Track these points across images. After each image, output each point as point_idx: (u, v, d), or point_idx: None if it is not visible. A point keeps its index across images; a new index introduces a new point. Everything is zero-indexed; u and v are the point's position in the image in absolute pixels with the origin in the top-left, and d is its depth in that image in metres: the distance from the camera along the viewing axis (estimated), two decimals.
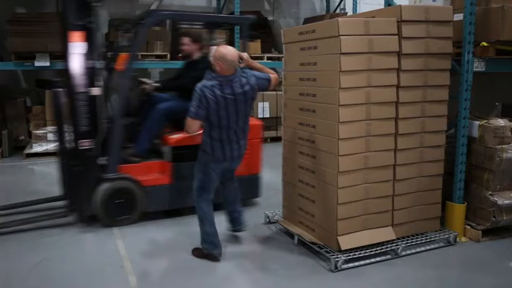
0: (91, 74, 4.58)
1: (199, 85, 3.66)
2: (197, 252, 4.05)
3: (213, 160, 3.85)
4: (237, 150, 3.92)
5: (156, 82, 5.43)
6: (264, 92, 9.84)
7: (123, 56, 4.82)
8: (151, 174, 4.92)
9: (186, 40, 5.34)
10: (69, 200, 4.79)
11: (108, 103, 5.07)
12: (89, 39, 4.52)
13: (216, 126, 3.75)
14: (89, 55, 4.54)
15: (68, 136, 4.66)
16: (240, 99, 3.73)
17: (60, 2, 4.83)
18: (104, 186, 4.62)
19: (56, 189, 5.33)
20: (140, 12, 9.81)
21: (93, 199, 4.62)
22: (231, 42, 9.79)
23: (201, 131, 3.88)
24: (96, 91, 4.60)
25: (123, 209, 4.72)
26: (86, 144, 4.54)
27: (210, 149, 3.83)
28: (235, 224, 4.35)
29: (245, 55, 3.90)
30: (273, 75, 3.94)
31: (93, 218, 4.71)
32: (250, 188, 5.19)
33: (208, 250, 3.95)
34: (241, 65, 3.84)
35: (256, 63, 4.02)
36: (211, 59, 3.76)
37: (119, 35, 8.52)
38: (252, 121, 4.38)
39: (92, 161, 4.60)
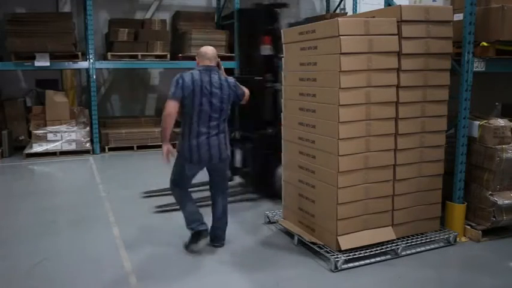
0: (275, 72, 5.42)
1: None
2: (187, 242, 4.15)
3: (187, 161, 3.93)
4: (215, 150, 3.93)
5: None
6: None
7: None
8: None
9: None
10: (255, 179, 5.76)
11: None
12: (273, 42, 5.44)
13: (189, 114, 3.84)
14: (275, 55, 5.45)
15: (248, 125, 5.71)
16: (216, 92, 3.86)
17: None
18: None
19: (56, 189, 5.33)
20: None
21: (275, 179, 5.28)
22: (230, 43, 9.80)
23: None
24: (278, 86, 5.26)
25: None
26: (270, 131, 5.44)
27: (183, 148, 3.91)
28: (215, 240, 4.24)
29: (221, 67, 4.12)
30: (246, 91, 4.20)
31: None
32: None
33: (194, 228, 4.05)
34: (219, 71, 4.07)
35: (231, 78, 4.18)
36: None
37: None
38: None
39: (275, 146, 5.00)
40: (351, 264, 3.82)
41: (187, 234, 4.15)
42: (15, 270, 3.85)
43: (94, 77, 8.80)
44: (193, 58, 9.34)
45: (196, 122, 3.87)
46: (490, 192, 4.29)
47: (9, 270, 3.86)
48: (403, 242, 4.09)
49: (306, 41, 4.10)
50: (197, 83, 3.81)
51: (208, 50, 3.98)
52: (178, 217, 4.32)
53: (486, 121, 4.36)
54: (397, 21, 3.87)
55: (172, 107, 3.80)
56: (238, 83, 4.11)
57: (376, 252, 3.93)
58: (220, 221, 4.23)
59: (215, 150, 3.94)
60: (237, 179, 6.17)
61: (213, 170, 4.12)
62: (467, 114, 4.30)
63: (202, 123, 3.87)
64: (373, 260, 3.90)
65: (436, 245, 4.22)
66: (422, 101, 4.07)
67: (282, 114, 4.65)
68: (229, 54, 9.70)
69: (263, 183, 5.61)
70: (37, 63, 8.24)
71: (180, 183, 4.09)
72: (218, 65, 4.04)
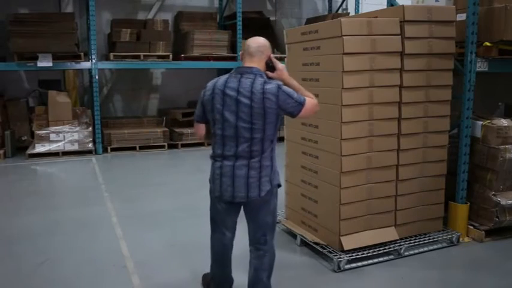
0: None
1: None
2: (206, 280, 3.45)
3: (211, 194, 3.06)
4: (240, 183, 2.86)
5: None
6: None
7: None
8: None
9: None
10: None
11: None
12: None
13: (213, 134, 2.97)
14: None
15: None
16: (244, 101, 2.78)
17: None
18: None
19: (58, 189, 5.33)
20: None
21: None
22: (233, 43, 9.81)
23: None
24: None
25: None
26: None
27: (210, 179, 3.05)
28: None
29: (281, 65, 2.99)
30: (309, 100, 2.90)
31: None
32: None
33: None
34: (271, 75, 2.94)
35: (294, 82, 2.99)
36: None
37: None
38: None
39: None
40: (353, 265, 3.82)
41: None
42: (19, 271, 3.86)
43: (96, 77, 8.81)
44: (195, 58, 9.54)
45: (220, 141, 2.90)
46: (493, 193, 4.28)
47: (13, 271, 3.87)
48: (406, 242, 4.08)
49: (309, 41, 4.10)
50: (218, 89, 2.85)
51: (253, 41, 2.96)
52: (180, 218, 4.31)
53: (489, 121, 4.35)
54: (400, 21, 3.86)
55: (198, 131, 3.13)
56: (288, 90, 2.85)
57: (379, 252, 3.93)
58: (255, 278, 3.07)
59: (241, 183, 2.86)
60: None
61: (246, 211, 3.04)
62: (470, 114, 4.29)
63: (229, 143, 2.86)
64: (376, 260, 3.90)
65: (439, 245, 4.21)
66: (425, 101, 4.07)
67: None
68: (231, 55, 9.71)
69: None
70: (40, 64, 8.26)
71: (212, 225, 3.14)
72: (268, 62, 2.94)
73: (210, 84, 2.95)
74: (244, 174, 2.86)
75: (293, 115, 2.89)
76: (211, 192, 3.03)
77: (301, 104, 2.85)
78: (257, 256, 3.06)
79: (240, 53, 3.05)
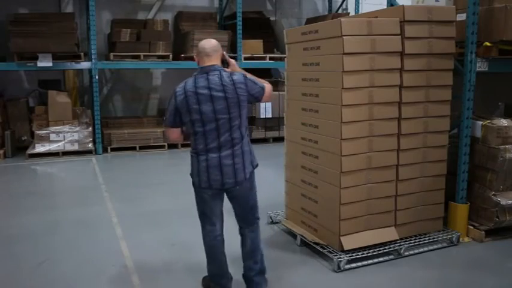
0: None
1: None
2: (205, 283, 3.52)
3: (196, 188, 3.23)
4: (228, 170, 3.11)
5: None
6: None
7: None
8: None
9: None
10: None
11: None
12: None
13: (192, 133, 3.16)
14: None
15: None
16: (218, 95, 3.03)
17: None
18: None
19: (58, 189, 5.33)
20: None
21: None
22: (233, 43, 9.82)
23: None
24: None
25: None
26: None
27: (192, 172, 3.22)
28: (248, 283, 3.41)
29: (233, 61, 3.33)
30: (267, 85, 3.27)
31: None
32: None
33: (222, 285, 3.35)
34: (227, 70, 3.21)
35: (247, 73, 3.30)
36: None
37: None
38: None
39: None
40: (353, 265, 3.82)
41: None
42: (19, 271, 3.86)
43: (96, 77, 8.81)
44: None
45: (202, 137, 3.11)
46: (493, 193, 4.28)
47: (13, 270, 3.87)
48: (406, 242, 4.08)
49: (309, 41, 4.10)
50: (190, 91, 3.06)
51: (206, 43, 3.16)
52: (180, 218, 4.32)
53: (489, 121, 4.35)
54: (400, 21, 3.86)
55: (172, 135, 3.30)
56: (251, 77, 3.21)
57: (379, 252, 3.93)
58: (251, 260, 3.36)
59: (228, 170, 3.11)
60: None
61: (230, 197, 3.28)
62: (470, 114, 4.29)
63: (210, 137, 3.09)
64: (376, 260, 3.90)
65: (439, 245, 4.21)
66: (425, 101, 4.07)
67: (285, 114, 4.65)
68: (231, 55, 9.71)
69: None
70: (40, 64, 8.27)
71: (204, 220, 3.30)
72: (223, 59, 3.24)
73: (179, 89, 3.13)
74: (230, 163, 3.12)
75: (258, 99, 3.23)
76: (197, 185, 3.20)
77: (263, 88, 3.21)
78: (252, 230, 3.36)
79: (195, 56, 3.24)
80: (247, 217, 3.34)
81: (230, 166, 3.12)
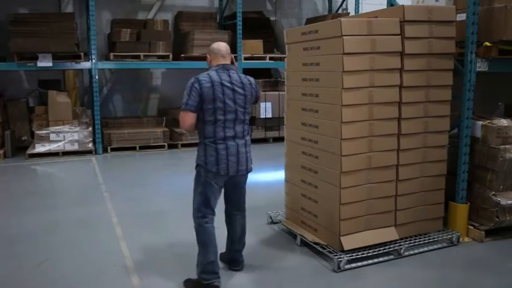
0: None
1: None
2: (191, 284, 3.52)
3: (212, 175, 3.37)
4: (243, 158, 3.43)
5: None
6: (267, 92, 9.91)
7: None
8: None
9: None
10: None
11: None
12: None
13: (211, 121, 3.32)
14: None
15: None
16: (239, 91, 3.38)
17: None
18: None
19: (58, 189, 5.33)
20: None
21: None
22: (233, 43, 9.81)
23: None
24: None
25: None
26: None
27: (206, 159, 3.36)
28: (234, 264, 3.79)
29: (235, 64, 3.68)
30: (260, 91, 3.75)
31: None
32: None
33: (209, 280, 3.40)
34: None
35: None
36: None
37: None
38: None
39: None
40: (353, 265, 3.82)
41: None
42: (19, 271, 3.86)
43: (96, 77, 8.81)
44: (195, 58, 9.52)
45: (221, 125, 3.33)
46: (493, 193, 4.28)
47: (13, 271, 3.87)
48: (406, 242, 4.08)
49: (309, 41, 4.10)
50: (217, 82, 3.31)
51: (221, 46, 3.51)
52: (179, 218, 4.31)
53: (489, 121, 4.35)
54: (400, 22, 3.87)
55: (189, 120, 3.32)
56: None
57: (379, 252, 3.93)
58: (239, 243, 3.76)
59: (243, 158, 3.43)
60: None
61: (233, 184, 3.55)
62: (470, 114, 4.29)
63: (229, 126, 3.36)
64: (376, 260, 3.90)
65: (439, 245, 4.21)
66: (425, 101, 4.07)
67: (285, 114, 4.65)
68: (231, 55, 9.69)
69: None
70: (40, 64, 8.27)
71: (208, 202, 3.42)
72: (232, 62, 3.56)
73: (203, 78, 3.33)
74: (244, 151, 3.46)
75: (256, 101, 3.68)
76: (213, 173, 3.36)
77: (259, 90, 3.70)
78: (242, 216, 3.72)
79: (208, 55, 3.55)
80: (242, 203, 3.69)
81: (244, 154, 3.45)
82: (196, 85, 3.29)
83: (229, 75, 3.40)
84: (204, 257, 3.43)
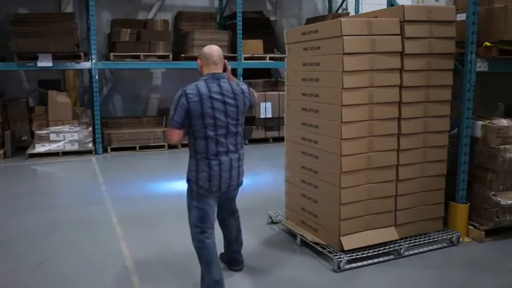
0: None
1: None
2: None
3: (204, 191, 3.24)
4: (235, 173, 3.28)
5: None
6: (267, 92, 9.91)
7: None
8: None
9: None
10: None
11: None
12: None
13: (202, 137, 3.16)
14: None
15: None
16: (230, 102, 3.18)
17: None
18: None
19: (58, 189, 5.33)
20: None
21: None
22: (233, 43, 9.82)
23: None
24: None
25: None
26: None
27: (198, 175, 3.21)
28: (234, 264, 3.79)
29: (229, 69, 3.41)
30: (254, 91, 3.53)
31: None
32: None
33: None
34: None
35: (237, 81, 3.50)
36: None
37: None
38: None
39: None
40: (353, 265, 3.82)
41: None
42: (18, 271, 3.86)
43: (96, 77, 8.81)
44: (195, 58, 9.46)
45: (213, 141, 3.17)
46: (493, 193, 4.28)
47: (13, 270, 3.87)
48: (406, 242, 4.08)
49: (309, 41, 4.10)
50: (205, 95, 3.11)
51: (213, 50, 3.25)
52: (179, 218, 4.30)
53: (489, 121, 4.35)
54: (400, 22, 3.87)
55: (175, 137, 3.18)
56: (250, 87, 3.47)
57: (379, 252, 3.93)
58: (237, 243, 3.76)
59: (235, 174, 3.29)
60: None
61: (224, 197, 3.44)
62: (470, 114, 4.29)
63: (221, 141, 3.19)
64: (376, 260, 3.90)
65: (439, 245, 4.21)
66: (425, 101, 4.07)
67: (285, 114, 4.65)
68: (231, 55, 9.71)
69: None
70: (40, 64, 8.26)
71: (205, 217, 3.28)
72: (225, 67, 3.33)
73: (190, 91, 3.12)
74: (237, 165, 3.31)
75: (251, 107, 3.52)
76: (205, 189, 3.22)
77: (255, 96, 3.51)
78: (235, 218, 3.71)
79: (199, 60, 3.30)
80: (234, 209, 3.68)
81: (237, 169, 3.30)
82: (183, 100, 3.09)
83: (220, 85, 3.19)
84: (209, 275, 3.26)
